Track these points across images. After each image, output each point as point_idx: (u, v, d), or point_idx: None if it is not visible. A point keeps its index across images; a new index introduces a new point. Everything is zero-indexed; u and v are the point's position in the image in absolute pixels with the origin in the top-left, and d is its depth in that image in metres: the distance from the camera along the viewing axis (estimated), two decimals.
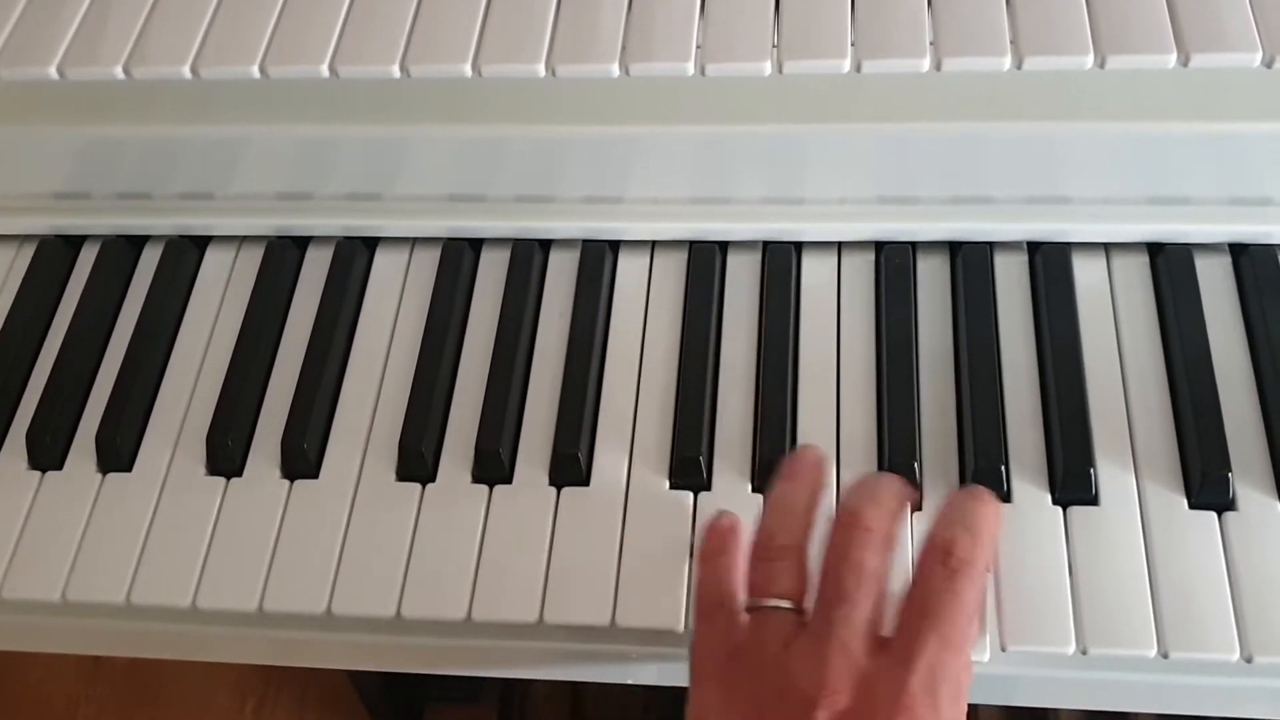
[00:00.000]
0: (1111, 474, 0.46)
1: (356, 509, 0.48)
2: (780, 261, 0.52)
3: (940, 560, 0.38)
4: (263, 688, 1.05)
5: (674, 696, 0.46)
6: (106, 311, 0.55)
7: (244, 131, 0.52)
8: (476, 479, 0.49)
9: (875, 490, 0.41)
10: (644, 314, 0.53)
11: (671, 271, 0.54)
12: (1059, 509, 0.45)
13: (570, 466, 0.48)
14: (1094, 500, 0.45)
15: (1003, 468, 0.46)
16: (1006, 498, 0.46)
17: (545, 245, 0.55)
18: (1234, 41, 0.43)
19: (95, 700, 1.07)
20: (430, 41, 0.47)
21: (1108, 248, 0.52)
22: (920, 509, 0.46)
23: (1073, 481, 0.45)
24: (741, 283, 0.53)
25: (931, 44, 0.44)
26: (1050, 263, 0.51)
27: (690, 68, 0.45)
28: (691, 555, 0.45)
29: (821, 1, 0.46)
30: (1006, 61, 0.43)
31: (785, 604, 0.40)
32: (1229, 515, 0.44)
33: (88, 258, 0.57)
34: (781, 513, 0.42)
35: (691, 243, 0.54)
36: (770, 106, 0.49)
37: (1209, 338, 0.48)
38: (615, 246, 0.54)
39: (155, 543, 0.48)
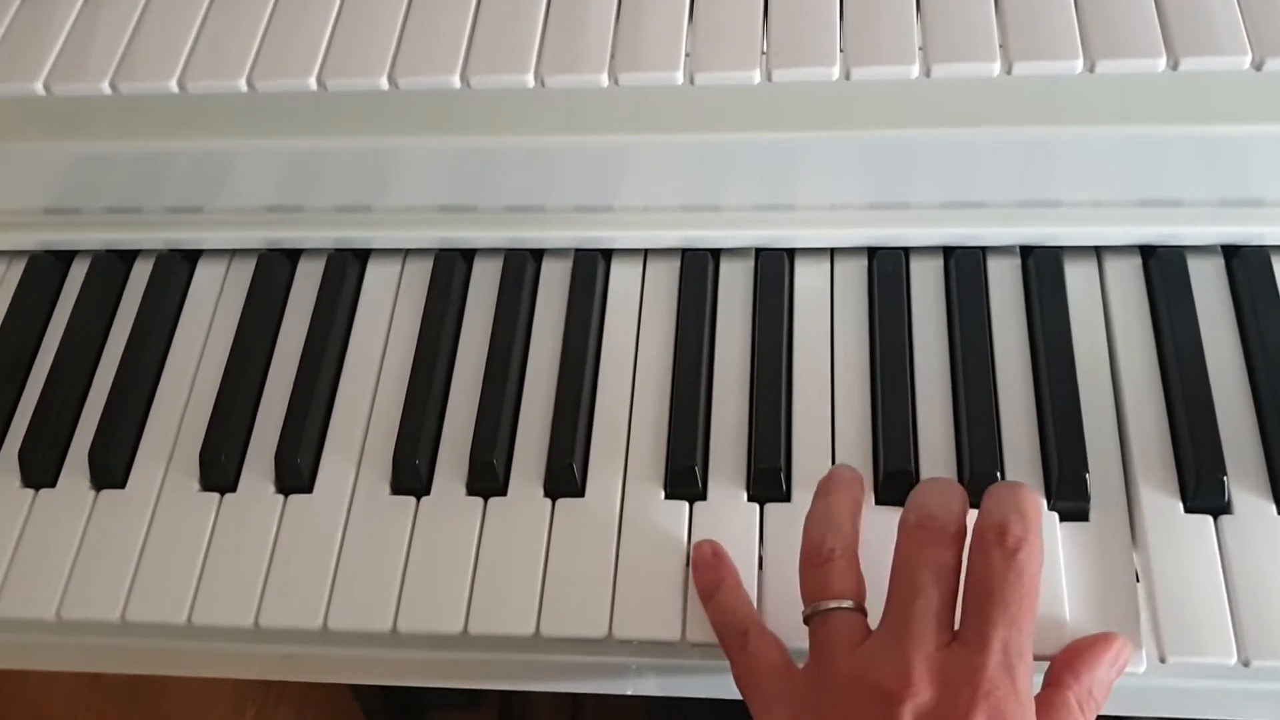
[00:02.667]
0: (1105, 478, 0.46)
1: (351, 523, 0.48)
2: (773, 269, 0.52)
3: (996, 543, 0.39)
4: (262, 697, 1.04)
5: (674, 705, 0.46)
6: (98, 327, 0.55)
7: (233, 145, 0.52)
8: (471, 491, 0.48)
9: (942, 491, 0.42)
10: (637, 323, 0.52)
11: (664, 280, 0.53)
12: (1055, 514, 0.45)
13: (565, 477, 0.48)
14: (1088, 505, 0.45)
15: (998, 474, 0.46)
16: None
17: (537, 255, 0.55)
18: (1223, 44, 0.43)
19: (94, 710, 1.06)
20: (418, 53, 0.47)
21: (1100, 251, 0.52)
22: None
23: (1068, 486, 0.45)
24: (734, 290, 0.53)
25: (921, 50, 0.44)
26: (1043, 267, 0.51)
27: (679, 76, 0.45)
28: (688, 564, 0.45)
29: (810, 9, 0.46)
30: (996, 67, 0.43)
31: (847, 603, 0.40)
32: (1225, 519, 0.44)
33: (78, 273, 0.57)
34: (825, 522, 0.43)
35: (684, 251, 0.54)
36: (760, 114, 0.49)
37: (1203, 340, 0.48)
38: (607, 255, 0.54)
39: (149, 560, 0.48)
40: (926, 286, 0.52)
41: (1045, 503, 0.45)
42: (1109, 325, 0.50)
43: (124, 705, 1.06)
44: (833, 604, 0.40)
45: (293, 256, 0.56)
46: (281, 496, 0.49)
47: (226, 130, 0.51)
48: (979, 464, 0.46)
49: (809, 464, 0.47)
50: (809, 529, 0.43)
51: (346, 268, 0.55)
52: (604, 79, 0.45)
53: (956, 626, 0.39)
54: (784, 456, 0.47)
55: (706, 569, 0.44)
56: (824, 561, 0.41)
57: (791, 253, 0.53)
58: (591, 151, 0.50)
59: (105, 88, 0.48)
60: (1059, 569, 0.44)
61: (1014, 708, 0.37)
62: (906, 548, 0.41)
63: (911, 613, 0.39)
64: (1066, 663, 0.41)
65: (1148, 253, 0.51)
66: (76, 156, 0.53)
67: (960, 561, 0.40)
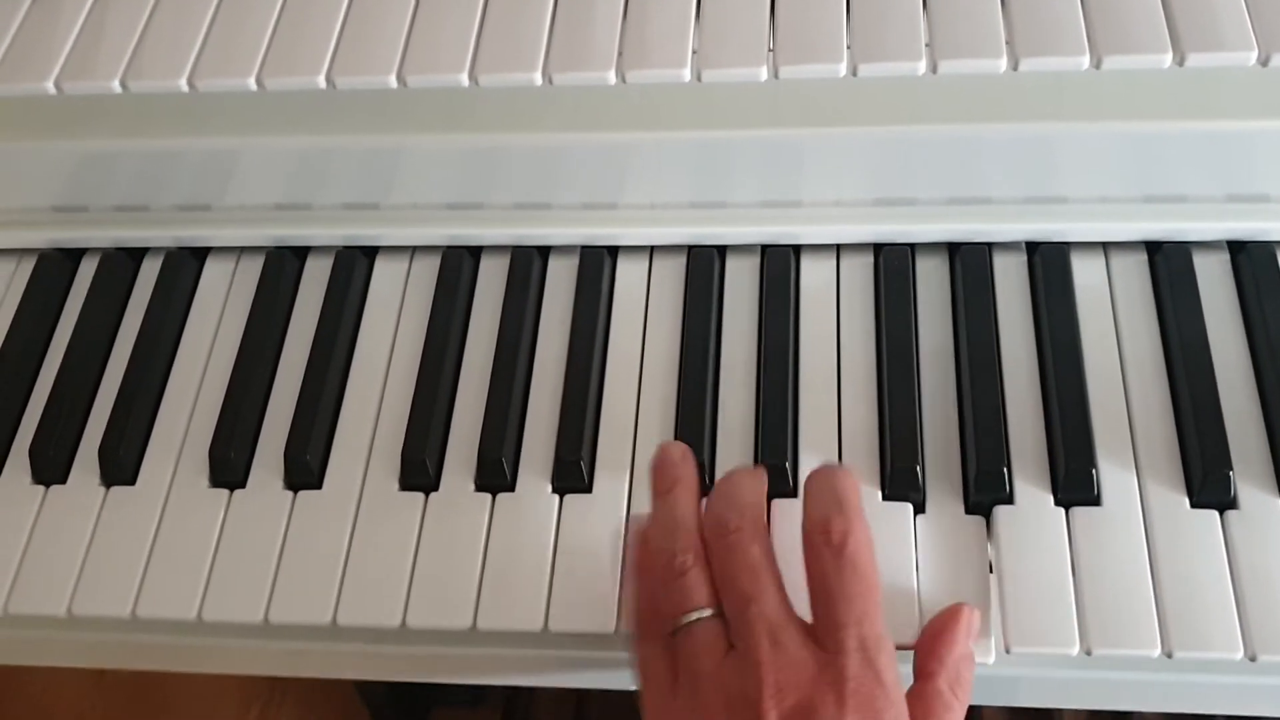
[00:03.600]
0: (1113, 474, 0.46)
1: (360, 519, 0.48)
2: (779, 265, 0.53)
3: (824, 543, 0.40)
4: (267, 695, 1.05)
5: None
6: (107, 324, 0.55)
7: (241, 143, 0.52)
8: (479, 487, 0.49)
9: (727, 493, 0.43)
10: (644, 319, 0.53)
11: (670, 276, 0.54)
12: (1061, 510, 0.45)
13: (573, 473, 0.48)
14: (1096, 500, 0.45)
15: (1005, 469, 0.46)
16: (1009, 499, 0.46)
17: (544, 252, 0.55)
18: (1230, 40, 0.43)
19: (100, 708, 1.07)
20: (426, 51, 0.47)
21: (1106, 247, 0.52)
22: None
23: (1075, 482, 0.45)
24: (741, 286, 0.53)
25: (927, 46, 0.44)
26: (1049, 262, 0.51)
27: (686, 73, 0.45)
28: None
29: (817, 5, 0.46)
30: (1002, 63, 0.43)
31: (705, 612, 0.41)
32: (1231, 513, 0.44)
33: (87, 271, 0.57)
34: (671, 530, 0.42)
35: (690, 247, 0.54)
36: (767, 111, 0.49)
37: (1208, 335, 0.48)
38: (614, 252, 0.55)
39: (159, 556, 0.48)
40: (933, 283, 0.52)
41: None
42: (1115, 320, 0.50)
43: (130, 703, 1.06)
44: (694, 616, 0.41)
45: (301, 254, 0.57)
46: (291, 493, 0.49)
47: (235, 128, 0.52)
48: (985, 460, 0.46)
49: (816, 459, 0.47)
50: (654, 537, 0.43)
51: (355, 265, 0.55)
52: (611, 76, 0.45)
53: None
54: (791, 452, 0.47)
55: (670, 466, 0.44)
56: (679, 575, 0.41)
57: (798, 249, 0.53)
58: (598, 149, 0.50)
59: (115, 86, 0.48)
60: (1065, 564, 0.44)
61: (883, 701, 0.37)
62: (716, 562, 0.41)
63: (752, 621, 0.39)
64: (929, 650, 0.41)
65: (1153, 248, 0.51)
66: (86, 155, 0.53)
67: (770, 548, 0.41)
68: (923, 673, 0.41)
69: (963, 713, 0.40)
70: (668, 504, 0.43)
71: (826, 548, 0.40)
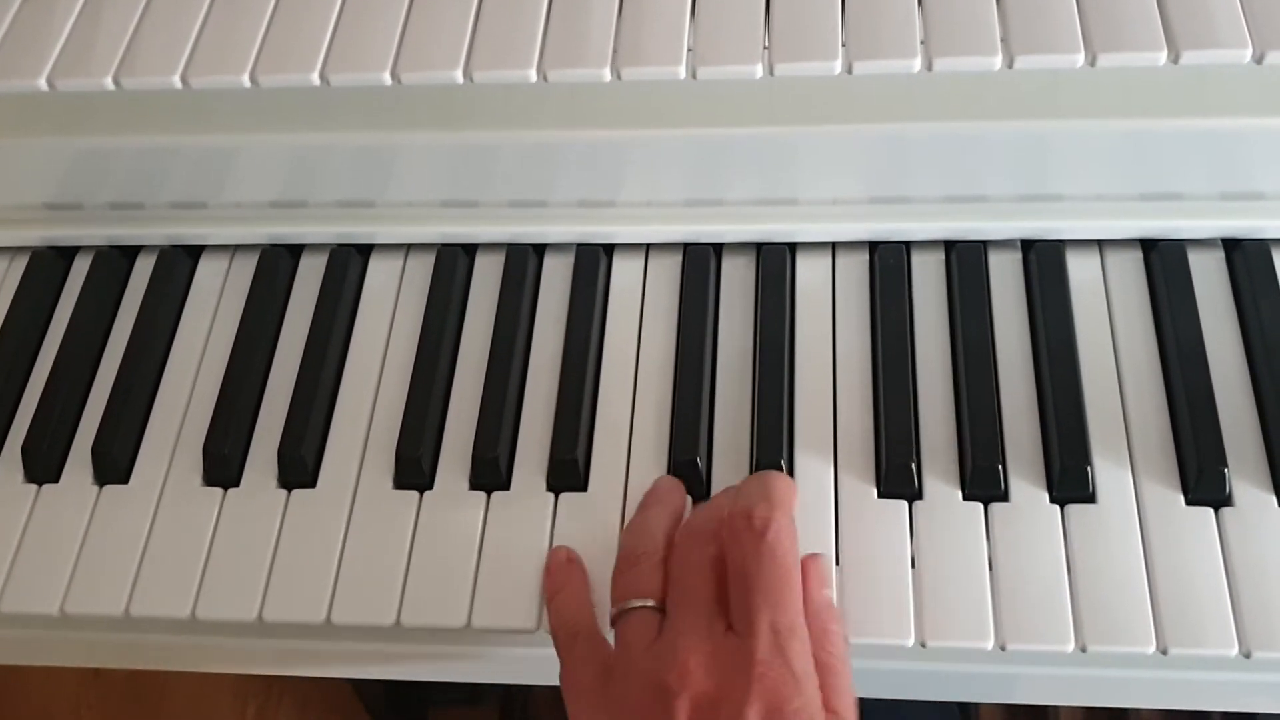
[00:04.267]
0: (1108, 471, 0.46)
1: (354, 517, 0.48)
2: (775, 263, 0.52)
3: (745, 528, 0.40)
4: (264, 692, 1.04)
5: None
6: (100, 322, 0.55)
7: (235, 140, 0.52)
8: (474, 486, 0.48)
9: (708, 508, 0.44)
10: (639, 317, 0.53)
11: (666, 274, 0.54)
12: (1056, 507, 0.45)
13: (568, 472, 0.48)
14: (1091, 498, 0.45)
15: (1000, 466, 0.46)
16: (1004, 496, 0.46)
17: (539, 250, 0.55)
18: (1224, 38, 0.43)
19: (95, 706, 1.06)
20: (421, 48, 0.47)
21: (1101, 244, 0.52)
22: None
23: (1070, 479, 0.45)
24: (736, 285, 0.53)
25: (922, 44, 0.44)
26: (1044, 260, 0.51)
27: (682, 71, 0.45)
28: None
29: (812, 3, 0.46)
30: (998, 61, 0.43)
31: (648, 602, 0.41)
32: (1225, 511, 0.44)
33: (80, 269, 0.57)
34: (639, 533, 0.44)
35: (686, 245, 0.54)
36: (762, 108, 0.49)
37: (1203, 333, 0.48)
38: (609, 250, 0.54)
39: (153, 554, 0.48)
40: (928, 280, 0.52)
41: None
42: (1110, 318, 0.50)
43: (125, 702, 1.06)
44: (636, 603, 0.42)
45: (295, 252, 0.56)
46: (285, 491, 0.49)
47: (229, 126, 0.51)
48: (980, 458, 0.46)
49: (812, 456, 0.47)
50: (624, 539, 0.45)
51: (349, 263, 0.55)
52: (606, 74, 0.45)
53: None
54: (787, 449, 0.47)
55: (556, 572, 0.45)
56: (631, 567, 0.43)
57: (793, 247, 0.53)
58: (594, 146, 0.50)
59: (109, 83, 0.48)
60: (1060, 561, 0.44)
61: (789, 685, 0.37)
62: (673, 562, 0.42)
63: (682, 607, 0.40)
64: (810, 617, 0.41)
65: (1149, 246, 0.51)
66: (79, 152, 0.53)
67: (716, 553, 0.41)
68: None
69: (847, 670, 0.40)
70: (644, 516, 0.45)
71: (748, 532, 0.40)
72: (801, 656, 0.38)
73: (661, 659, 0.39)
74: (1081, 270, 0.51)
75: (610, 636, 0.43)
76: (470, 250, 0.55)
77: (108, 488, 0.50)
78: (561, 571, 0.45)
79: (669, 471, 0.48)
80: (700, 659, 0.38)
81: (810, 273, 0.53)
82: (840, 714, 0.38)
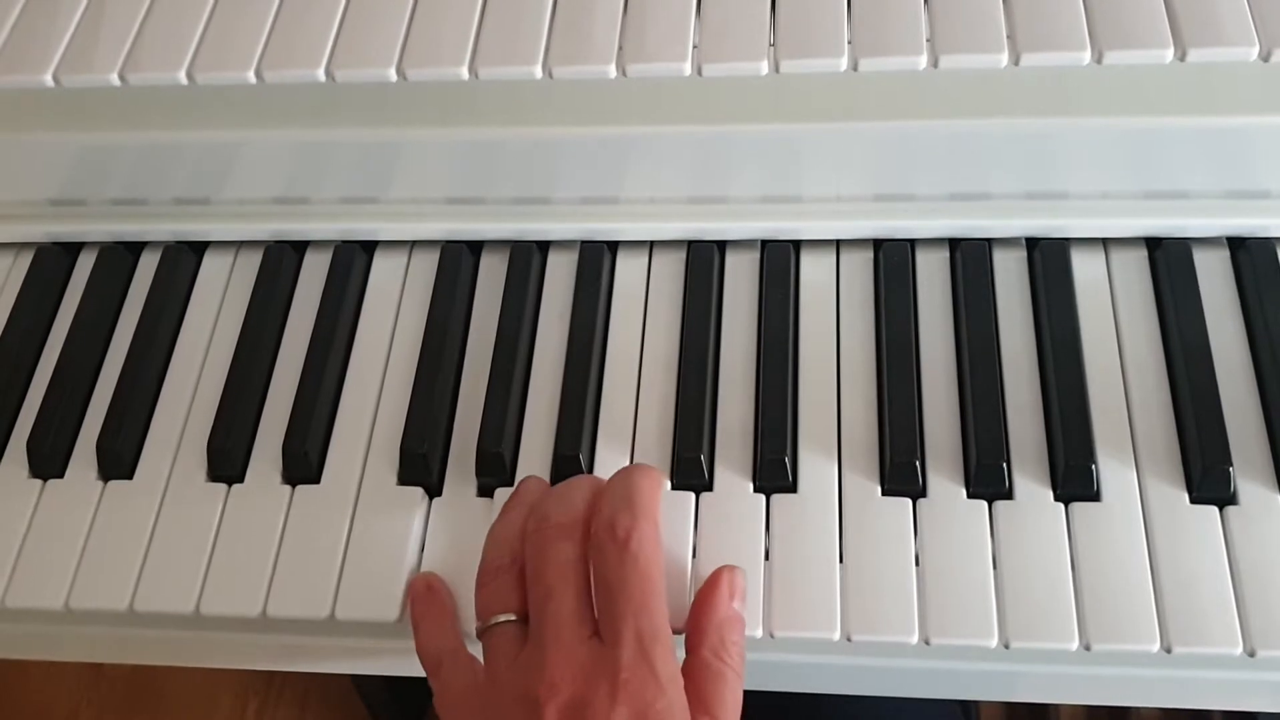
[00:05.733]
0: (1112, 469, 0.46)
1: (359, 513, 0.48)
2: (779, 260, 0.52)
3: (609, 539, 0.40)
4: (264, 691, 1.05)
5: None
6: (105, 318, 0.55)
7: (240, 136, 0.52)
8: (479, 481, 0.48)
9: (561, 495, 0.43)
10: (643, 314, 0.53)
11: (670, 271, 0.53)
12: (1061, 505, 0.45)
13: (572, 468, 0.48)
14: (1095, 496, 0.45)
15: (1004, 464, 0.46)
16: (1008, 494, 0.46)
17: (544, 247, 0.55)
18: (1231, 35, 0.43)
19: (96, 703, 1.06)
20: (426, 44, 0.47)
21: (1106, 243, 0.52)
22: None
23: (1075, 477, 0.45)
24: (740, 282, 0.53)
25: (928, 41, 0.44)
26: (1049, 258, 0.51)
27: (687, 68, 0.45)
28: (695, 556, 0.46)
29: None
30: (1004, 58, 0.43)
31: (509, 617, 0.41)
32: (1230, 509, 0.44)
33: (85, 264, 0.57)
34: (495, 543, 0.44)
35: (690, 242, 0.54)
36: (767, 106, 0.49)
37: (1208, 331, 0.48)
38: (614, 247, 0.54)
39: (157, 550, 0.48)
40: (932, 278, 0.52)
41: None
42: (1115, 316, 0.50)
43: (126, 699, 1.06)
44: (499, 618, 0.41)
45: (299, 248, 0.56)
46: (289, 487, 0.49)
47: (234, 121, 0.51)
48: (985, 456, 0.46)
49: (816, 454, 0.47)
50: (486, 547, 0.44)
51: (353, 259, 0.55)
52: (612, 70, 0.45)
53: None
54: (790, 447, 0.47)
55: (418, 601, 0.45)
56: (490, 580, 0.43)
57: (797, 244, 0.53)
58: (598, 143, 0.50)
59: (114, 79, 0.48)
60: (1064, 559, 0.44)
61: (653, 691, 0.38)
62: (528, 554, 0.42)
63: (546, 616, 0.40)
64: (692, 624, 0.42)
65: (1154, 244, 0.51)
66: (84, 148, 0.53)
67: (581, 553, 0.41)
68: (688, 647, 0.41)
69: (738, 679, 0.40)
70: (503, 521, 0.44)
71: (611, 543, 0.40)
72: (665, 660, 0.39)
73: (528, 673, 0.39)
74: (1086, 268, 0.51)
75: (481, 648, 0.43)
76: (475, 247, 0.55)
77: (112, 483, 0.50)
78: (421, 602, 0.45)
79: (673, 468, 0.48)
80: (566, 670, 0.38)
81: (814, 270, 0.53)
82: (718, 718, 0.39)
